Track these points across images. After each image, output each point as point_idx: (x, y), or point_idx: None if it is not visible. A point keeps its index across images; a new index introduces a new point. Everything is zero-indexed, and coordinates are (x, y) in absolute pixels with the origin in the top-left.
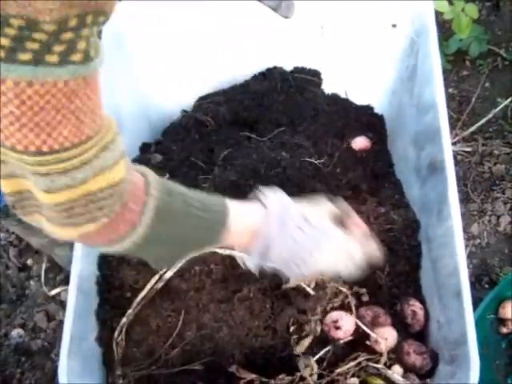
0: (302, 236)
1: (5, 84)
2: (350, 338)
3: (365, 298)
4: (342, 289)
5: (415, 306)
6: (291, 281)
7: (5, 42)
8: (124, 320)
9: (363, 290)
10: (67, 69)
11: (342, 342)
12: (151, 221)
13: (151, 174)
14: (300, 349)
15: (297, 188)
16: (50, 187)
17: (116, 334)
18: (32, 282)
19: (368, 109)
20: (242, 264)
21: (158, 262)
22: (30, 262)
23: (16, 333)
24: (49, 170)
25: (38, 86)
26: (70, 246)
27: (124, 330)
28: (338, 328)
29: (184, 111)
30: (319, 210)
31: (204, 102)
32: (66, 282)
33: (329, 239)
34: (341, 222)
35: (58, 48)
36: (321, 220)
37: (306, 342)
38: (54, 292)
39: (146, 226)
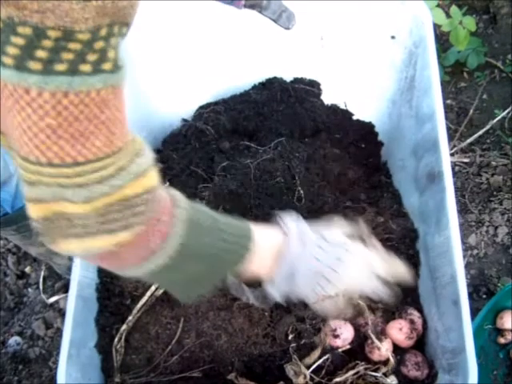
0: (323, 254)
1: (42, 97)
2: (349, 346)
3: (379, 314)
4: (360, 302)
5: (413, 314)
6: (317, 308)
7: (42, 54)
8: (124, 327)
9: (379, 305)
10: (99, 77)
11: (340, 350)
12: (183, 232)
13: (177, 192)
14: (309, 361)
15: (295, 198)
16: (88, 197)
17: (116, 340)
18: (30, 290)
19: (366, 123)
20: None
21: (184, 288)
22: (28, 269)
23: (14, 340)
24: (87, 179)
25: (73, 96)
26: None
27: (123, 337)
28: (336, 336)
29: (184, 120)
30: (335, 229)
31: (204, 111)
32: (64, 289)
33: (349, 253)
34: (359, 239)
35: (91, 57)
36: (338, 237)
37: (316, 353)
38: (52, 300)
39: (179, 237)
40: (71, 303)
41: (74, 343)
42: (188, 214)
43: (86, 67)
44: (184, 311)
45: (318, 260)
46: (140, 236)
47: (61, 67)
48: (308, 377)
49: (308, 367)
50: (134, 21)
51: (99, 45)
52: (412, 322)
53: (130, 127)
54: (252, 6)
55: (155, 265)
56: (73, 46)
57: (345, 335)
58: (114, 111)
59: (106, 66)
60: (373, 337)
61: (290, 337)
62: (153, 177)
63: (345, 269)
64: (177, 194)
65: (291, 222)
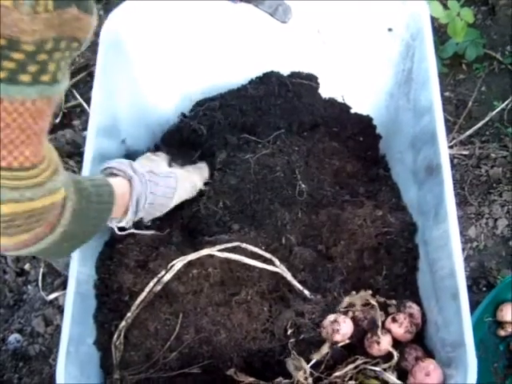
0: (156, 187)
1: None
2: (348, 341)
3: (392, 310)
4: (371, 301)
5: (412, 308)
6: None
7: None
8: (123, 323)
9: (392, 302)
10: (36, 88)
11: (339, 345)
12: (67, 221)
13: (69, 179)
14: (317, 356)
15: (296, 192)
16: None
17: (115, 337)
18: (29, 287)
19: (364, 116)
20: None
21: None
22: (27, 266)
23: (13, 338)
24: (1, 183)
25: (7, 104)
26: None
27: (123, 333)
28: (335, 331)
29: (183, 115)
30: (156, 162)
31: (200, 108)
32: (63, 286)
33: (174, 178)
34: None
35: (32, 68)
36: (162, 168)
37: (324, 349)
38: (51, 297)
39: (64, 226)
40: (69, 300)
41: (73, 340)
42: (73, 203)
43: (25, 77)
44: (183, 307)
45: (154, 193)
46: (35, 233)
47: (0, 74)
48: (308, 372)
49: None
50: (87, 38)
51: (42, 57)
52: (411, 315)
53: (127, 123)
54: (248, 0)
55: (36, 248)
56: (16, 55)
57: (344, 330)
58: (46, 122)
59: (45, 77)
60: (380, 334)
61: (289, 332)
62: (62, 192)
63: (175, 191)
64: (69, 183)
65: (129, 170)
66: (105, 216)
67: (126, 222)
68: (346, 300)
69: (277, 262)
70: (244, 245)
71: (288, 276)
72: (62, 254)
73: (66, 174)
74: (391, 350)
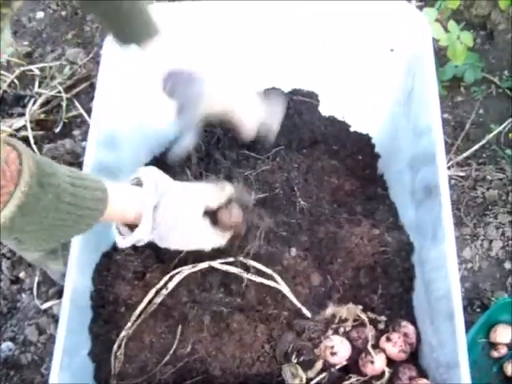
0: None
1: None
2: (345, 363)
3: (381, 326)
4: (361, 316)
5: (407, 327)
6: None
7: None
8: (123, 333)
9: (382, 318)
10: None
11: (337, 367)
12: (11, 214)
13: (26, 154)
14: (312, 373)
15: (296, 209)
16: None
17: (115, 347)
18: (24, 295)
19: (364, 135)
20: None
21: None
22: (22, 274)
23: (6, 346)
24: None
25: None
26: (63, 260)
27: (123, 343)
28: (334, 354)
29: None
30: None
31: (200, 124)
32: (58, 295)
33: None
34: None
35: None
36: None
37: (318, 365)
38: (45, 305)
39: (5, 216)
40: (65, 311)
41: (67, 351)
42: (24, 196)
43: None
44: (179, 322)
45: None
46: None
47: None
48: (304, 379)
49: (308, 381)
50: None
51: None
52: (406, 335)
53: (127, 135)
54: None
55: None
56: None
57: (342, 353)
58: None
59: None
60: (371, 351)
61: (292, 356)
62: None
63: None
64: (24, 160)
65: (150, 179)
66: (81, 222)
67: (136, 240)
68: (329, 311)
69: (278, 278)
70: (243, 259)
71: (290, 295)
72: (29, 243)
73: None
74: (386, 369)
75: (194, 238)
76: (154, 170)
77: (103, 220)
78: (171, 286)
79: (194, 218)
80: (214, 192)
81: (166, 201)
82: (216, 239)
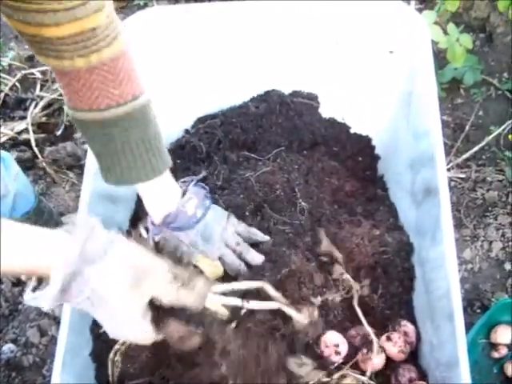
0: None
1: None
2: (342, 360)
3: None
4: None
5: (407, 326)
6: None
7: None
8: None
9: None
10: None
11: (335, 365)
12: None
13: None
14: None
15: (297, 210)
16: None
17: (111, 354)
18: None
19: (364, 136)
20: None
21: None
22: (24, 277)
23: (7, 348)
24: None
25: None
26: None
27: (119, 352)
28: (337, 353)
29: (186, 131)
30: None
31: (201, 125)
32: None
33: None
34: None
35: None
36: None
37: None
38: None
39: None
40: (66, 311)
41: (69, 352)
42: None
43: None
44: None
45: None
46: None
47: None
48: (312, 365)
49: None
50: None
51: None
52: (406, 334)
53: None
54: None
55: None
56: None
57: (344, 352)
58: None
59: None
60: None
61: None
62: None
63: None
64: None
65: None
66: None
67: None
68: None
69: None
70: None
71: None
72: None
73: None
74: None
75: (123, 330)
76: (95, 220)
77: (4, 274)
78: None
79: (131, 312)
80: (173, 283)
81: (94, 272)
82: (151, 336)
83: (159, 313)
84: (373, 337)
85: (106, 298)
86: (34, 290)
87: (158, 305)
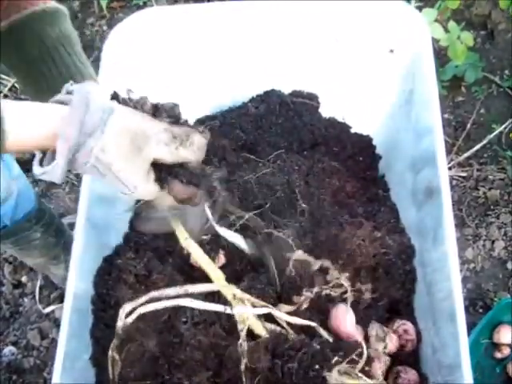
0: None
1: None
2: None
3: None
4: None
5: (407, 325)
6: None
7: None
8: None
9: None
10: None
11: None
12: None
13: None
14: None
15: (297, 212)
16: None
17: (110, 353)
18: (26, 300)
19: (364, 136)
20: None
21: None
22: (24, 279)
23: (8, 350)
24: None
25: None
26: (65, 265)
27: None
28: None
29: None
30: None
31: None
32: (60, 299)
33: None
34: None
35: None
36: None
37: None
38: (48, 310)
39: None
40: (66, 315)
41: (69, 356)
42: None
43: None
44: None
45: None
46: None
47: None
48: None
49: None
50: None
51: None
52: (406, 331)
53: None
54: None
55: None
56: None
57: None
58: None
59: None
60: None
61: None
62: None
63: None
64: None
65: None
66: None
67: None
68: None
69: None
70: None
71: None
72: None
73: None
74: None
75: (128, 185)
76: (92, 85)
77: (15, 151)
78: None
79: (135, 174)
80: (172, 143)
81: (96, 143)
82: (153, 193)
83: (162, 173)
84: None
85: (110, 165)
86: (41, 163)
87: (160, 165)
